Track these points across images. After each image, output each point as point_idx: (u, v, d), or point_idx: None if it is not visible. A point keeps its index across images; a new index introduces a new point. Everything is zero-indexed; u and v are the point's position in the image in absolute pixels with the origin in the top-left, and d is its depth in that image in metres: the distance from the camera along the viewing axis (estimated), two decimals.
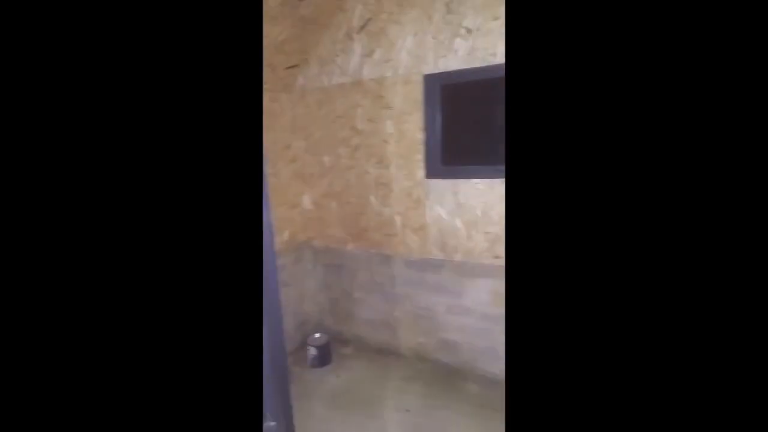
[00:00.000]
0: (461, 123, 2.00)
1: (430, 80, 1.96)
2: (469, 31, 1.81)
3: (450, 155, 2.03)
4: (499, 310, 2.02)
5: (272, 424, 0.75)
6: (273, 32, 2.00)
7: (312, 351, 2.29)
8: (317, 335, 2.39)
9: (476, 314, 2.10)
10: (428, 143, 2.03)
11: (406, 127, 2.07)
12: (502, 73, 1.76)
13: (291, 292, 2.45)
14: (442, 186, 2.05)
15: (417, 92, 1.99)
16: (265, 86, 2.14)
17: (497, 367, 2.10)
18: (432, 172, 2.06)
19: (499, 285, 2.00)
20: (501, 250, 1.95)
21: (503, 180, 1.85)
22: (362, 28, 2.05)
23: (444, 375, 2.19)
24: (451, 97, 1.97)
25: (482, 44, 1.79)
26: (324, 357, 2.32)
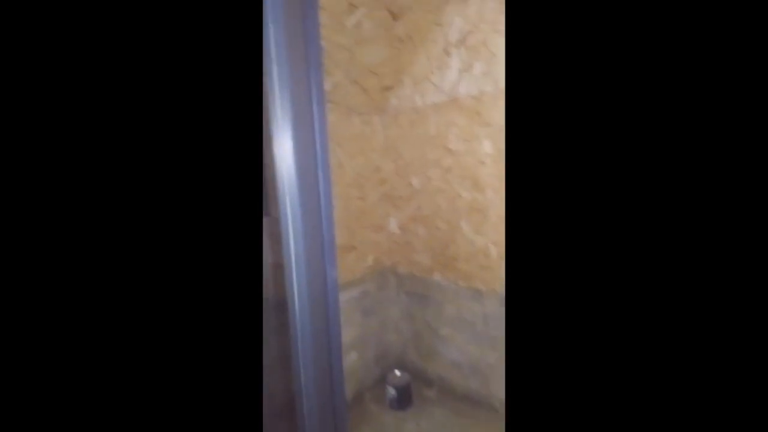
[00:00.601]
0: None
1: None
2: None
3: None
4: None
5: None
6: (366, 54, 1.97)
7: (391, 391, 2.09)
8: (398, 373, 2.19)
9: None
10: None
11: None
12: None
13: (372, 322, 2.31)
14: None
15: None
16: (357, 109, 2.11)
17: None
18: None
19: None
20: None
21: None
22: (461, 42, 1.91)
23: None
24: None
25: None
26: (404, 399, 2.10)
